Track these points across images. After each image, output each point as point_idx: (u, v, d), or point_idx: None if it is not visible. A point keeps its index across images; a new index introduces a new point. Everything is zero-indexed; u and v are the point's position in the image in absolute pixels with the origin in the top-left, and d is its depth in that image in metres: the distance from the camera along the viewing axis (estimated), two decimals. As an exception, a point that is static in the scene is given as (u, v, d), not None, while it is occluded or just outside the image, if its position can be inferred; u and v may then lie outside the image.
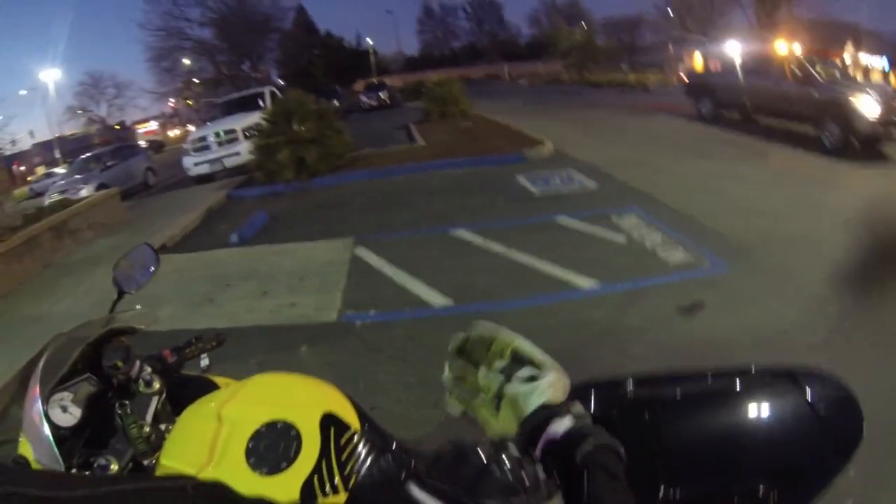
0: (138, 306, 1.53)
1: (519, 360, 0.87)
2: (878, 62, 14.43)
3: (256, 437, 1.05)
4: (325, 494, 1.02)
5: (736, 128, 12.88)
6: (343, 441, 1.08)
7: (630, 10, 48.58)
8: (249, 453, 1.02)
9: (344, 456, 1.07)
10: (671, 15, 38.60)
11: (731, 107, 13.66)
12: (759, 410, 1.14)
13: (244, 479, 1.00)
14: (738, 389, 1.15)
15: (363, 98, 29.72)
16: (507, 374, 0.82)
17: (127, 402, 1.17)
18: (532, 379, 0.81)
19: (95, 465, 1.10)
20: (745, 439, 1.11)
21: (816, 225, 6.28)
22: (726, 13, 35.30)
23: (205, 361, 1.54)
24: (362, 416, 1.19)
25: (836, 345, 3.94)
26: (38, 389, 1.18)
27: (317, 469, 1.03)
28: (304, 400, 1.17)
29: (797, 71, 11.20)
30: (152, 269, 1.78)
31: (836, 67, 12.27)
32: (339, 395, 1.22)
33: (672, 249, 5.74)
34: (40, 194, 19.24)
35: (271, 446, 1.04)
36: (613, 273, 5.31)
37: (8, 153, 42.27)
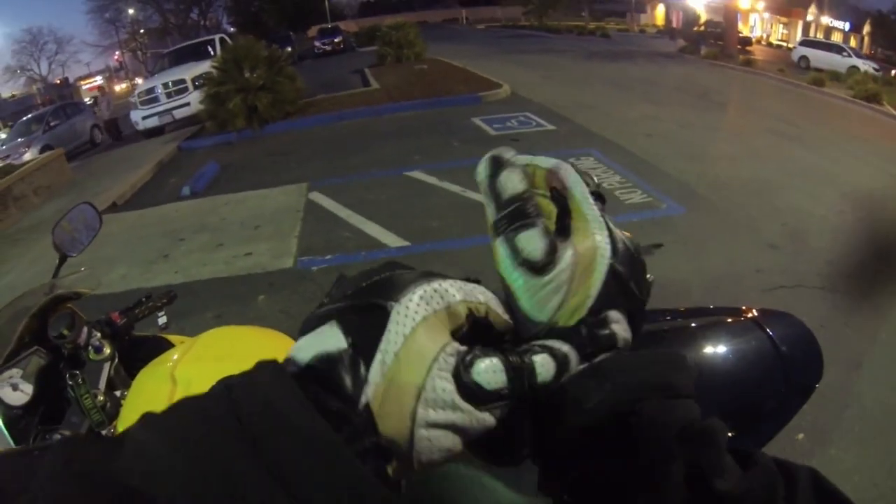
0: (83, 269, 1.48)
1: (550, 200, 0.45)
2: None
3: None
4: None
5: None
6: None
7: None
8: None
9: None
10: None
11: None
12: (721, 350, 1.13)
13: None
14: (699, 329, 1.16)
15: (317, 43, 28.78)
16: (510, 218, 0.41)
17: (78, 371, 1.12)
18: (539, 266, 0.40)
19: (51, 440, 1.05)
20: (708, 378, 1.09)
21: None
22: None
23: (162, 320, 1.50)
24: None
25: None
26: None
27: None
28: (256, 352, 1.11)
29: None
30: (95, 228, 1.70)
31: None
32: (291, 343, 1.17)
33: (630, 191, 5.81)
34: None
35: None
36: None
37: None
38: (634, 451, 0.38)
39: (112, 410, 1.12)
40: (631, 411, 0.38)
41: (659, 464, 0.37)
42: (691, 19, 32.76)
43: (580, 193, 0.43)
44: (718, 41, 23.75)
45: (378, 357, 0.34)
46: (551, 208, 0.43)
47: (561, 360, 0.37)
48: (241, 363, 0.97)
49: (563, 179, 0.43)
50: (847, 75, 17.80)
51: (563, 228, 0.42)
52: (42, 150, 13.19)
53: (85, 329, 1.22)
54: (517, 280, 0.41)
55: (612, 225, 0.42)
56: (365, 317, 0.36)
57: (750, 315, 1.19)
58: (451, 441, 0.35)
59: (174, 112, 13.14)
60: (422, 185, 6.57)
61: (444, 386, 0.34)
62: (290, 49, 22.15)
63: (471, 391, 0.34)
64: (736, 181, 6.35)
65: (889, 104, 13.55)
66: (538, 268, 0.40)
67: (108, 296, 5.29)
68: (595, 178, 0.44)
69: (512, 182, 0.41)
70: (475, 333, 0.38)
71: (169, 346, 1.42)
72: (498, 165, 0.42)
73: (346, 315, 0.37)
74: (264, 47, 11.60)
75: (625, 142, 7.48)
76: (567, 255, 0.40)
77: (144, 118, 13.29)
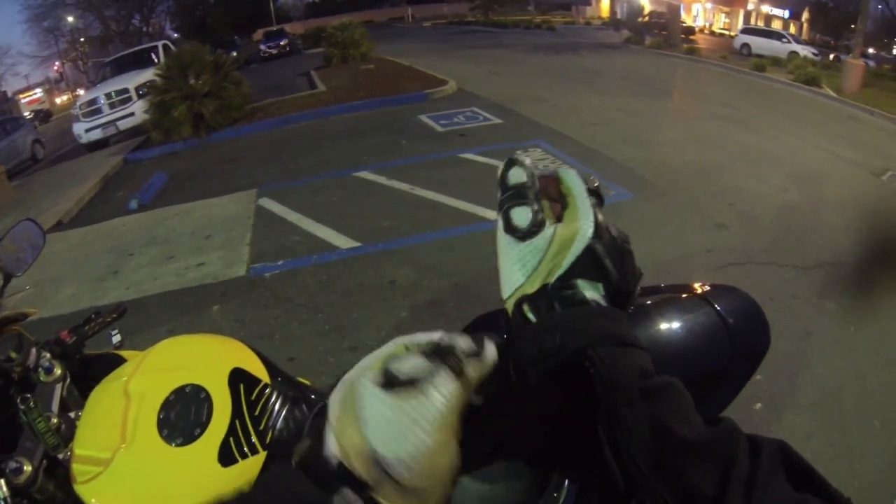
0: (28, 287, 1.47)
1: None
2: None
3: (166, 406, 1.00)
4: (243, 456, 0.98)
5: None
6: (254, 396, 1.05)
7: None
8: (161, 425, 0.98)
9: (257, 411, 1.03)
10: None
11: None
12: (670, 325, 1.14)
13: (159, 456, 0.96)
14: (650, 307, 1.16)
15: (262, 47, 28.41)
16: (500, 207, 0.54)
17: (29, 395, 1.06)
18: (524, 234, 0.51)
19: (7, 470, 0.99)
20: (658, 353, 1.04)
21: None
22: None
23: (116, 338, 1.48)
24: (271, 368, 1.15)
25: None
26: None
27: (231, 430, 0.99)
28: (209, 359, 1.13)
29: None
30: (39, 246, 1.63)
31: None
32: (245, 349, 1.18)
33: None
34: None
35: (182, 413, 0.99)
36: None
37: None
38: (596, 397, 0.45)
39: (67, 433, 1.07)
40: (586, 356, 0.46)
41: (621, 406, 0.43)
42: (636, 10, 33.39)
43: (578, 191, 0.52)
44: (662, 31, 24.33)
45: (327, 425, 0.44)
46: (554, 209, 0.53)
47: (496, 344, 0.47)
48: (194, 371, 1.01)
49: (564, 179, 0.53)
50: (787, 60, 18.47)
51: (560, 217, 0.52)
52: (-21, 169, 12.71)
53: (34, 350, 1.18)
54: (502, 241, 0.52)
55: (601, 218, 0.51)
56: (317, 419, 0.46)
57: (697, 291, 1.22)
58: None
59: (118, 123, 12.81)
60: (371, 185, 6.62)
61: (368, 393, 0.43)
62: (235, 53, 21.81)
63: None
64: (682, 166, 6.61)
65: (828, 86, 14.14)
66: (520, 235, 0.51)
67: (57, 318, 5.20)
68: (593, 178, 0.55)
69: (517, 175, 0.54)
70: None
71: (122, 362, 1.34)
72: (511, 163, 0.55)
73: (311, 429, 0.46)
74: (209, 52, 11.42)
75: (571, 132, 7.67)
76: (548, 232, 0.50)
77: (87, 131, 12.90)
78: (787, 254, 4.58)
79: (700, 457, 0.41)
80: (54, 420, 1.06)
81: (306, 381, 1.44)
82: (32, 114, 23.86)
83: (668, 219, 5.19)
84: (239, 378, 1.05)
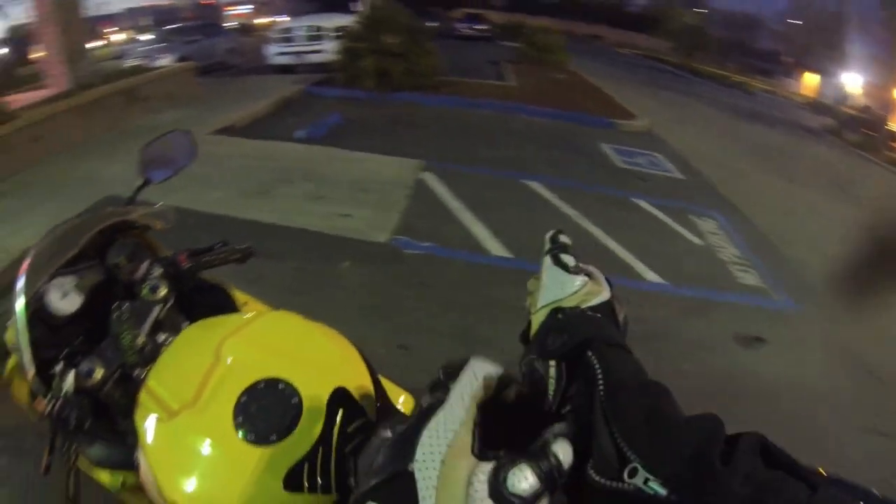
0: (160, 203, 1.37)
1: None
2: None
3: (252, 391, 0.91)
4: (312, 490, 0.86)
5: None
6: (351, 429, 0.91)
7: (754, 8, 45.38)
8: (239, 409, 0.89)
9: (348, 448, 0.89)
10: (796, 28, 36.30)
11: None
12: None
13: (224, 440, 0.88)
14: None
15: (459, 26, 28.68)
16: (549, 251, 0.71)
17: (126, 304, 1.05)
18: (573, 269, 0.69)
19: (80, 368, 0.99)
20: None
21: None
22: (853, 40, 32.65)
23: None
24: (381, 397, 1.02)
25: None
26: (25, 265, 1.09)
27: (310, 456, 0.87)
28: (318, 363, 1.00)
29: None
30: (187, 161, 1.58)
31: None
32: (360, 365, 1.05)
33: (745, 270, 5.24)
34: (122, 57, 19.30)
35: (265, 409, 0.90)
36: (681, 274, 4.90)
37: (99, 14, 42.60)
38: (595, 383, 0.54)
39: (149, 355, 1.03)
40: (586, 350, 0.57)
41: (618, 390, 0.52)
42: (842, 98, 30.81)
43: (598, 275, 0.70)
44: (868, 130, 22.04)
45: None
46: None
47: (573, 437, 0.44)
48: (296, 370, 0.95)
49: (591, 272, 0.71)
50: None
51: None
52: (177, 60, 13.54)
53: (146, 264, 1.15)
54: (550, 270, 0.68)
55: (613, 289, 0.69)
56: (396, 484, 0.41)
57: None
58: None
59: (308, 56, 13.22)
60: (539, 199, 6.20)
61: None
62: (436, 24, 22.14)
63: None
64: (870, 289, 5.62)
65: None
66: (567, 270, 0.67)
67: (192, 212, 5.17)
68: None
69: (564, 238, 0.71)
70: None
71: (230, 303, 1.33)
72: (559, 231, 0.72)
73: (378, 491, 0.42)
74: (408, 16, 11.45)
75: (751, 213, 6.84)
76: (583, 278, 0.67)
77: (278, 54, 13.48)
78: None
79: (685, 434, 0.45)
80: (140, 339, 1.04)
81: (401, 389, 1.42)
82: (236, 25, 25.46)
83: (832, 347, 4.31)
84: (342, 400, 0.93)
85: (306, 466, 0.87)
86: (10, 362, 1.22)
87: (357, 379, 1.01)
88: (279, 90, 10.78)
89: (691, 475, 0.42)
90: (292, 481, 0.86)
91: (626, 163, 8.15)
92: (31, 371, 1.04)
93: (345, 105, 9.98)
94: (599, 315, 0.65)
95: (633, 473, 0.45)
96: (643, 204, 6.46)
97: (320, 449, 0.88)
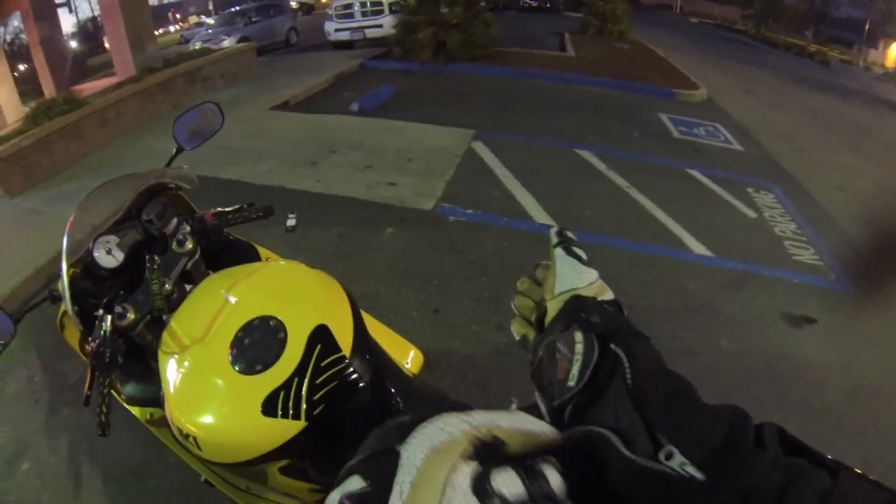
0: (185, 166, 1.52)
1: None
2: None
3: (247, 327, 1.03)
4: (285, 415, 0.95)
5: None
6: (325, 363, 1.00)
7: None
8: (234, 343, 1.02)
9: (320, 379, 0.99)
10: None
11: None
12: None
13: (219, 370, 0.99)
14: None
15: (523, -3, 28.17)
16: (559, 243, 0.68)
17: (157, 257, 1.17)
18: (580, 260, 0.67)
19: (116, 311, 1.13)
20: None
21: None
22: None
23: (291, 221, 1.87)
24: (362, 342, 1.09)
25: None
26: (68, 225, 1.24)
27: (286, 384, 0.97)
28: (307, 303, 1.11)
29: None
30: (215, 128, 1.73)
31: None
32: (347, 309, 1.13)
33: (802, 247, 4.93)
34: (189, 41, 20.01)
35: (255, 343, 1.01)
36: (730, 247, 4.68)
37: (165, 1, 44.08)
38: (621, 370, 0.54)
39: (176, 302, 1.18)
40: (610, 339, 0.57)
41: (645, 378, 0.53)
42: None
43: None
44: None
45: (396, 489, 0.39)
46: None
47: (560, 471, 0.41)
48: (287, 308, 1.08)
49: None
50: None
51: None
52: (239, 41, 14.09)
53: (175, 221, 1.30)
54: (563, 259, 0.66)
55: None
56: (381, 460, 0.42)
57: None
58: None
59: (366, 31, 13.28)
60: (588, 168, 6.07)
61: (462, 502, 0.37)
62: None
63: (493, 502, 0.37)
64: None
65: None
66: (583, 261, 0.66)
67: (244, 183, 5.36)
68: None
69: (571, 235, 0.69)
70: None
71: (254, 255, 1.49)
72: (564, 228, 0.71)
73: (364, 465, 0.44)
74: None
75: (813, 188, 6.38)
76: (596, 273, 0.66)
77: (337, 30, 13.57)
78: None
79: (718, 420, 0.46)
80: (168, 287, 1.19)
81: (410, 345, 1.69)
82: (297, 4, 25.94)
83: (890, 332, 3.92)
84: (321, 337, 1.03)
85: (281, 395, 0.96)
86: (61, 308, 1.40)
87: (340, 319, 1.08)
88: (336, 65, 10.96)
89: (727, 460, 0.43)
90: (269, 407, 0.95)
91: (683, 133, 7.84)
92: (71, 311, 1.18)
93: (400, 77, 10.04)
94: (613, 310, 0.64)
95: (669, 456, 0.45)
96: (697, 175, 6.21)
97: (296, 379, 0.97)
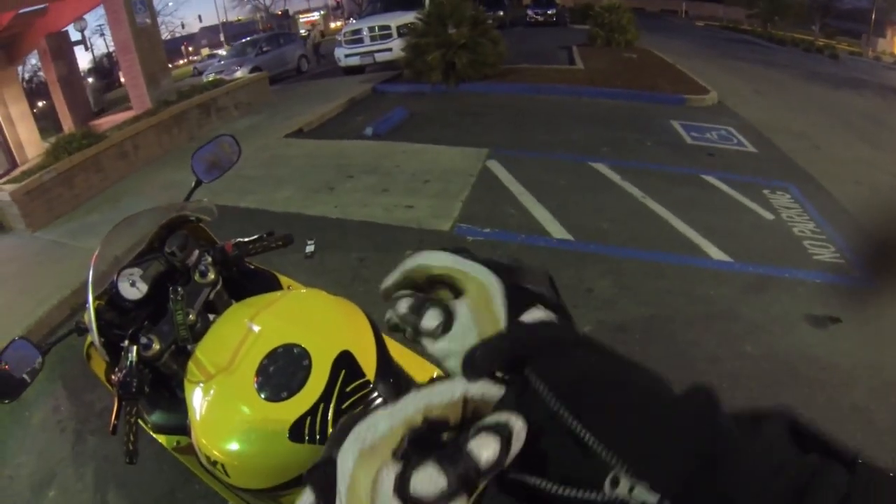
0: (204, 200, 1.56)
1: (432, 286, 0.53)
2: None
3: (272, 355, 1.05)
4: (312, 441, 0.96)
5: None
6: (350, 388, 1.02)
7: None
8: (259, 371, 1.04)
9: (345, 405, 1.00)
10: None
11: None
12: None
13: (246, 398, 1.01)
14: None
15: (529, 12, 28.37)
16: (413, 323, 0.50)
17: (180, 288, 1.20)
18: (443, 328, 0.49)
19: (141, 341, 1.16)
20: None
21: None
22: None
23: (310, 248, 1.93)
24: (385, 365, 1.11)
25: None
26: (94, 258, 1.29)
27: (312, 410, 0.98)
28: (329, 330, 1.13)
29: None
30: (233, 161, 1.78)
31: None
32: (368, 333, 1.15)
33: (822, 246, 4.91)
34: (202, 73, 20.49)
35: (280, 370, 1.03)
36: (750, 251, 4.67)
37: (178, 35, 45.25)
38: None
39: (200, 331, 1.20)
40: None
41: (582, 389, 0.41)
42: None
43: (448, 262, 0.49)
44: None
45: (337, 498, 0.37)
46: (448, 294, 0.50)
47: (503, 432, 0.37)
48: (310, 335, 1.09)
49: (429, 268, 0.50)
50: None
51: (459, 293, 0.49)
52: (251, 71, 14.44)
53: (196, 252, 1.32)
54: (433, 348, 0.49)
55: (485, 260, 0.49)
56: (326, 468, 0.40)
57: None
58: None
59: (376, 55, 13.45)
60: (602, 180, 6.12)
61: None
62: (501, 13, 21.99)
63: None
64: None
65: None
66: (439, 334, 0.48)
67: (266, 213, 5.44)
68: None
69: (431, 317, 0.48)
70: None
71: (275, 284, 1.52)
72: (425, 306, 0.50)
73: (311, 475, 0.41)
74: (472, 7, 11.45)
75: (829, 184, 6.35)
76: (463, 307, 0.47)
77: (347, 56, 13.76)
78: None
79: (673, 418, 0.38)
80: (192, 317, 1.21)
81: (433, 367, 1.50)
82: (307, 32, 26.45)
83: None
84: (345, 363, 1.04)
85: (308, 420, 0.98)
86: (87, 339, 1.43)
87: (362, 344, 1.10)
88: (348, 91, 11.14)
89: (686, 472, 0.34)
90: (296, 433, 0.97)
91: (696, 139, 7.87)
92: (98, 342, 1.23)
93: (412, 100, 10.17)
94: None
95: (615, 483, 0.36)
96: (711, 180, 6.22)
97: (321, 405, 0.99)
